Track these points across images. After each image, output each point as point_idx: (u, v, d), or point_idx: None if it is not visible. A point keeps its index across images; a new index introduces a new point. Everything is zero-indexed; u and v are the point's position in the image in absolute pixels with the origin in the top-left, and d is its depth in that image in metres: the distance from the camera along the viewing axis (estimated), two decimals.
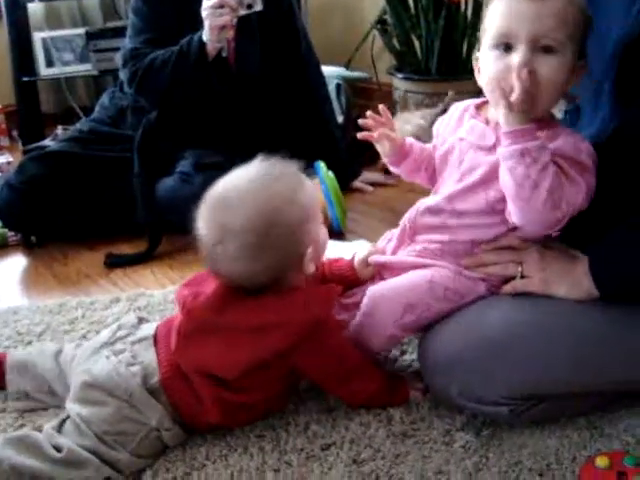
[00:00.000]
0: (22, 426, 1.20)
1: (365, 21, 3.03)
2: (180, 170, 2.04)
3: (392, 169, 1.32)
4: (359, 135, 1.26)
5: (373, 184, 2.30)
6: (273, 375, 1.13)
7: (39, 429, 1.11)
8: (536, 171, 1.06)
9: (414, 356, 1.32)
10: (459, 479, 1.05)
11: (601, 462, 1.03)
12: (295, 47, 2.21)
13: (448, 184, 1.20)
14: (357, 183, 2.31)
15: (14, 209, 1.98)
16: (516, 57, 1.08)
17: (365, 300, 1.19)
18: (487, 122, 1.18)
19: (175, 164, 2.07)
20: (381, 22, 2.86)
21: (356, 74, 2.87)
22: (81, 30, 2.98)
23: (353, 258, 1.29)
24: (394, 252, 1.27)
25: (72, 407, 1.10)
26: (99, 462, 1.04)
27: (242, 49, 2.07)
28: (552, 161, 1.08)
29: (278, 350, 1.10)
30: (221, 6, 1.87)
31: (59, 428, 1.08)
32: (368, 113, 1.26)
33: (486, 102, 1.20)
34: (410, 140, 1.30)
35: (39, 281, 1.83)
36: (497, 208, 1.15)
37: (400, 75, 2.69)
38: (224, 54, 1.98)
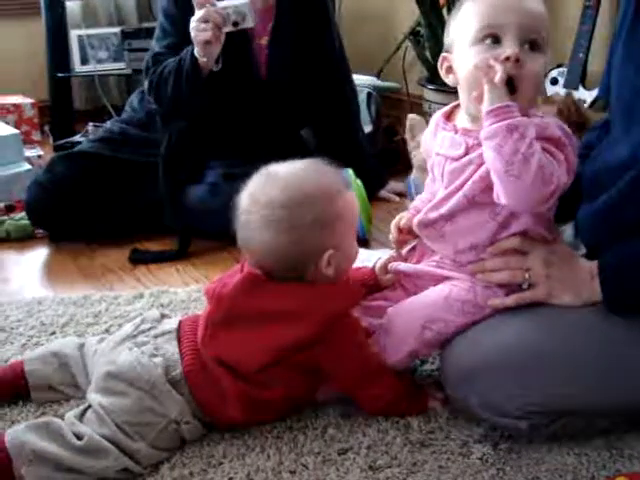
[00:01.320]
0: (43, 414, 1.21)
1: (398, 31, 3.04)
2: (209, 181, 2.03)
3: None
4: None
5: (399, 194, 2.30)
6: (295, 372, 1.14)
7: (61, 417, 1.11)
8: (525, 146, 1.04)
9: (434, 366, 1.32)
10: None
11: None
12: (329, 58, 2.20)
13: (434, 197, 1.21)
14: (383, 193, 2.31)
15: (42, 207, 2.00)
16: (507, 49, 1.08)
17: (384, 318, 1.20)
18: (456, 130, 1.18)
19: (204, 172, 2.06)
20: (414, 33, 2.87)
21: (387, 84, 2.88)
22: (117, 29, 3.03)
23: (375, 265, 1.30)
24: (418, 261, 1.28)
25: (94, 397, 1.11)
26: (118, 452, 1.05)
27: (274, 56, 2.07)
28: None
29: (300, 339, 1.11)
30: (206, 21, 1.84)
31: (80, 417, 1.09)
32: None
33: (456, 107, 1.21)
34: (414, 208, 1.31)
35: (64, 274, 1.85)
36: (478, 201, 1.14)
37: (431, 87, 2.69)
38: (215, 69, 1.93)
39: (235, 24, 1.86)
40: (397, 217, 1.33)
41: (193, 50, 1.90)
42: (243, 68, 2.02)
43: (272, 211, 1.09)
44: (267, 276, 1.13)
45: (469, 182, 1.14)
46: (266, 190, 1.11)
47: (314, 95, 2.17)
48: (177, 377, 1.12)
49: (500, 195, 1.09)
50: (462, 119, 1.19)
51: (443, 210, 1.18)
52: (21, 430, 1.05)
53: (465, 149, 1.15)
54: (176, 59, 1.97)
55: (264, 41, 2.04)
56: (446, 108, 1.23)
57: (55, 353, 1.24)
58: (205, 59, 1.89)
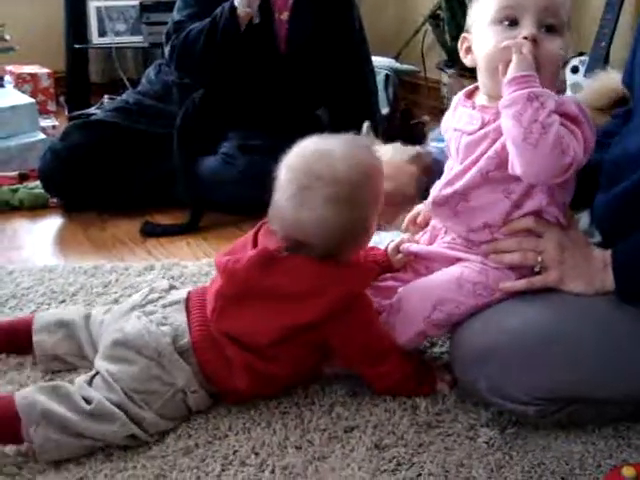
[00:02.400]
0: (51, 379, 1.21)
1: (418, 14, 3.01)
2: (223, 151, 2.04)
3: None
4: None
5: None
6: (304, 348, 1.14)
7: (70, 382, 1.11)
8: (544, 115, 1.04)
9: (444, 348, 1.31)
10: (481, 474, 1.04)
11: (627, 472, 1.01)
12: (349, 38, 2.19)
13: (449, 173, 1.20)
14: None
15: (55, 174, 2.00)
16: (524, 30, 1.07)
17: (395, 298, 1.20)
18: (474, 106, 1.17)
19: (219, 143, 2.07)
20: (434, 16, 2.84)
21: (405, 67, 2.86)
22: (135, 2, 3.01)
23: (387, 247, 1.29)
24: (430, 243, 1.27)
25: (101, 364, 1.11)
26: (126, 418, 1.05)
27: (294, 31, 2.06)
28: None
29: (311, 319, 1.10)
30: None
31: (89, 383, 1.09)
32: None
33: (477, 88, 1.20)
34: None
35: (75, 243, 1.85)
36: (492, 177, 1.13)
37: (450, 71, 2.67)
38: (256, 20, 1.96)
39: None
40: (414, 210, 1.33)
41: (231, 2, 1.92)
42: (264, 41, 2.02)
43: (338, 187, 1.07)
44: (286, 250, 1.10)
45: (484, 157, 1.13)
46: (328, 167, 1.08)
47: (332, 74, 2.16)
48: (185, 346, 1.11)
49: (515, 165, 1.07)
50: (481, 98, 1.18)
51: (457, 186, 1.17)
52: (31, 391, 1.06)
53: (481, 123, 1.14)
54: (205, 20, 1.97)
55: (285, 16, 2.04)
56: (468, 87, 1.22)
57: (61, 322, 1.24)
58: (249, 9, 1.92)
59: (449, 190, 1.18)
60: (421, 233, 1.31)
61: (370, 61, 2.31)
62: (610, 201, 1.17)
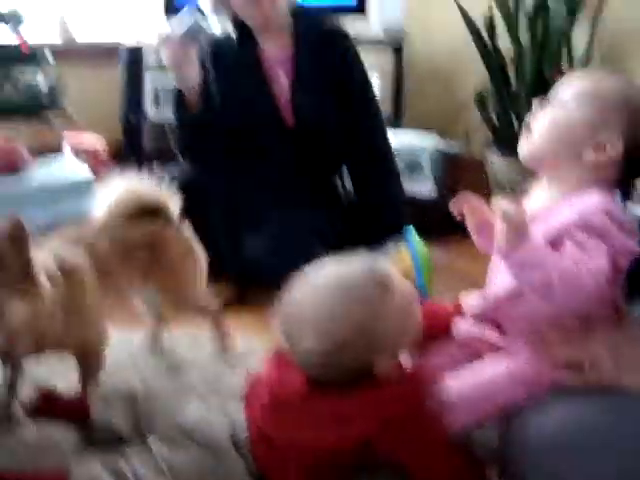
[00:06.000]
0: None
1: (465, 92, 3.05)
2: (268, 232, 2.00)
3: (479, 247, 1.31)
4: (451, 206, 1.28)
5: None
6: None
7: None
8: (540, 275, 1.04)
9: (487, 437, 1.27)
10: None
11: None
12: (357, 97, 2.11)
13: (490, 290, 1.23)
14: None
15: None
16: None
17: (444, 395, 1.17)
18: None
19: (261, 220, 2.03)
20: (481, 95, 2.88)
21: (450, 145, 2.88)
22: None
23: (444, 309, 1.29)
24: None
25: (156, 447, 1.13)
26: None
27: (298, 100, 2.05)
28: (560, 236, 1.07)
29: (359, 440, 1.10)
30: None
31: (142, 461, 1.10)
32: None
33: None
34: None
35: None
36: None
37: (495, 151, 2.68)
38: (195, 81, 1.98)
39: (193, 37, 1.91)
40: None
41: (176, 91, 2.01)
42: (267, 117, 2.04)
43: (311, 357, 1.10)
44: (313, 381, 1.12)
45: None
46: (298, 336, 1.11)
47: (346, 135, 2.10)
48: (242, 441, 1.12)
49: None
50: None
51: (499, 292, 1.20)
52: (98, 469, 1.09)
53: None
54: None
55: (286, 92, 2.05)
56: None
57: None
58: (189, 89, 1.98)
59: (495, 304, 1.22)
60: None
61: (380, 117, 2.20)
62: None
